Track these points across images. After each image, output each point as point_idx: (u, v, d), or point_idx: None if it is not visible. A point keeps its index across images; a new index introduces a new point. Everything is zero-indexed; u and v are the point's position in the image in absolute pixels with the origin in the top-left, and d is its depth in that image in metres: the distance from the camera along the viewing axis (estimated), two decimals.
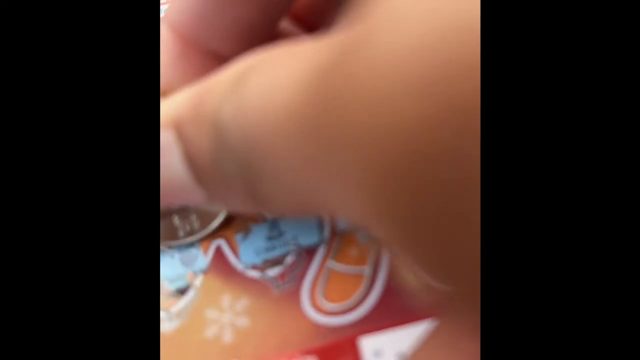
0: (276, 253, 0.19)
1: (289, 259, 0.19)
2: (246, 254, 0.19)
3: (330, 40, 0.11)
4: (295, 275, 0.19)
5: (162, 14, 0.18)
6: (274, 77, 0.12)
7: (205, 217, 0.19)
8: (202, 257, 0.19)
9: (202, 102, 0.13)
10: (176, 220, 0.19)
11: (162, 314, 0.18)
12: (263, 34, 0.17)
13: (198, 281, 0.19)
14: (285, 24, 0.19)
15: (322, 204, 0.12)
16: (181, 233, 0.19)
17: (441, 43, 0.09)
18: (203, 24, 0.17)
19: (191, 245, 0.19)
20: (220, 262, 0.19)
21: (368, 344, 0.17)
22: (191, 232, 0.19)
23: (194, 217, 0.19)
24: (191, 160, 0.14)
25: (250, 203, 0.13)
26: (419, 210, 0.09)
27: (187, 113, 0.13)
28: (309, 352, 0.17)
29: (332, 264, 0.19)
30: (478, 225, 0.09)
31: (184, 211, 0.19)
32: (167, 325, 0.18)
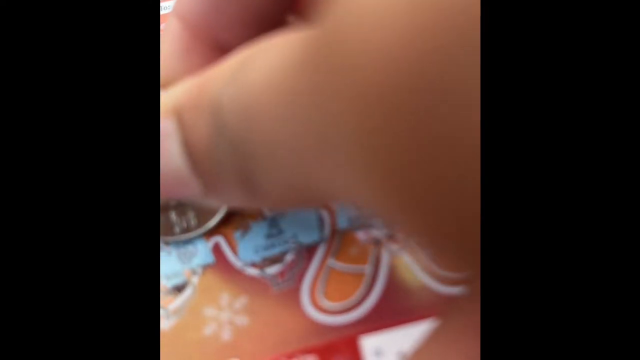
0: (275, 251, 0.19)
1: (289, 257, 0.19)
2: (245, 251, 0.19)
3: (313, 24, 0.11)
4: (295, 273, 0.19)
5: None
6: (267, 61, 0.12)
7: (203, 215, 0.19)
8: (206, 251, 0.19)
9: (203, 90, 0.13)
10: (173, 216, 0.19)
11: (160, 311, 0.18)
12: (272, 23, 0.17)
13: (196, 278, 0.19)
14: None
15: (319, 185, 0.12)
16: (177, 229, 0.19)
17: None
18: (213, 12, 0.17)
19: (187, 242, 0.19)
20: (218, 260, 0.19)
21: (368, 343, 0.17)
22: (187, 229, 0.19)
23: (191, 214, 0.19)
24: (189, 148, 0.14)
25: (244, 193, 0.13)
26: (414, 170, 0.09)
27: (187, 101, 0.14)
28: (308, 351, 0.17)
29: (332, 262, 0.19)
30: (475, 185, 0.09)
31: (182, 207, 0.19)
32: (164, 322, 0.18)
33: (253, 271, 0.19)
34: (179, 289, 0.19)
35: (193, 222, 0.19)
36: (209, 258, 0.19)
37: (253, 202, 0.14)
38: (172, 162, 0.14)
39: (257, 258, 0.19)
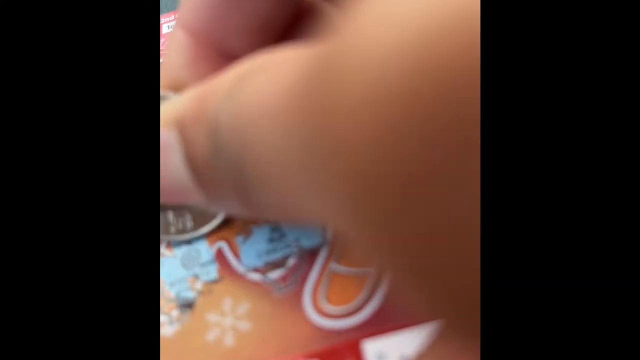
0: (278, 255, 0.19)
1: (291, 262, 0.19)
2: (247, 256, 0.19)
3: (314, 48, 0.11)
4: (297, 277, 0.19)
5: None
6: (265, 83, 0.12)
7: (199, 219, 0.19)
8: (211, 269, 0.19)
9: (204, 103, 0.13)
10: (171, 215, 0.20)
11: (163, 318, 0.18)
12: (280, 30, 0.17)
13: (199, 284, 0.19)
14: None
15: (307, 210, 0.12)
16: (173, 229, 0.19)
17: (414, 47, 0.08)
18: (217, 20, 0.17)
19: (181, 243, 0.20)
20: (221, 265, 0.19)
21: (371, 347, 0.17)
22: (183, 231, 0.19)
23: (188, 217, 0.19)
24: (191, 161, 0.14)
25: (242, 205, 0.14)
26: (396, 212, 0.09)
27: (189, 113, 0.14)
28: (311, 356, 0.17)
29: (334, 266, 0.19)
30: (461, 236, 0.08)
31: (180, 209, 0.20)
32: (168, 328, 0.18)
33: (255, 276, 0.19)
34: (186, 305, 0.19)
35: (189, 224, 0.19)
36: (213, 274, 0.19)
37: (251, 214, 0.14)
38: (175, 173, 0.14)
39: (259, 263, 0.19)
